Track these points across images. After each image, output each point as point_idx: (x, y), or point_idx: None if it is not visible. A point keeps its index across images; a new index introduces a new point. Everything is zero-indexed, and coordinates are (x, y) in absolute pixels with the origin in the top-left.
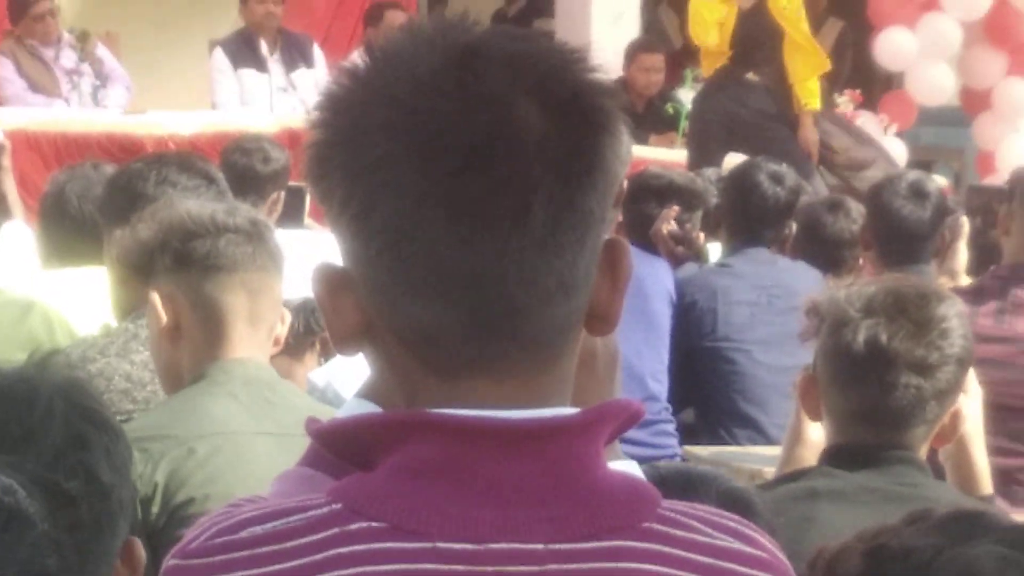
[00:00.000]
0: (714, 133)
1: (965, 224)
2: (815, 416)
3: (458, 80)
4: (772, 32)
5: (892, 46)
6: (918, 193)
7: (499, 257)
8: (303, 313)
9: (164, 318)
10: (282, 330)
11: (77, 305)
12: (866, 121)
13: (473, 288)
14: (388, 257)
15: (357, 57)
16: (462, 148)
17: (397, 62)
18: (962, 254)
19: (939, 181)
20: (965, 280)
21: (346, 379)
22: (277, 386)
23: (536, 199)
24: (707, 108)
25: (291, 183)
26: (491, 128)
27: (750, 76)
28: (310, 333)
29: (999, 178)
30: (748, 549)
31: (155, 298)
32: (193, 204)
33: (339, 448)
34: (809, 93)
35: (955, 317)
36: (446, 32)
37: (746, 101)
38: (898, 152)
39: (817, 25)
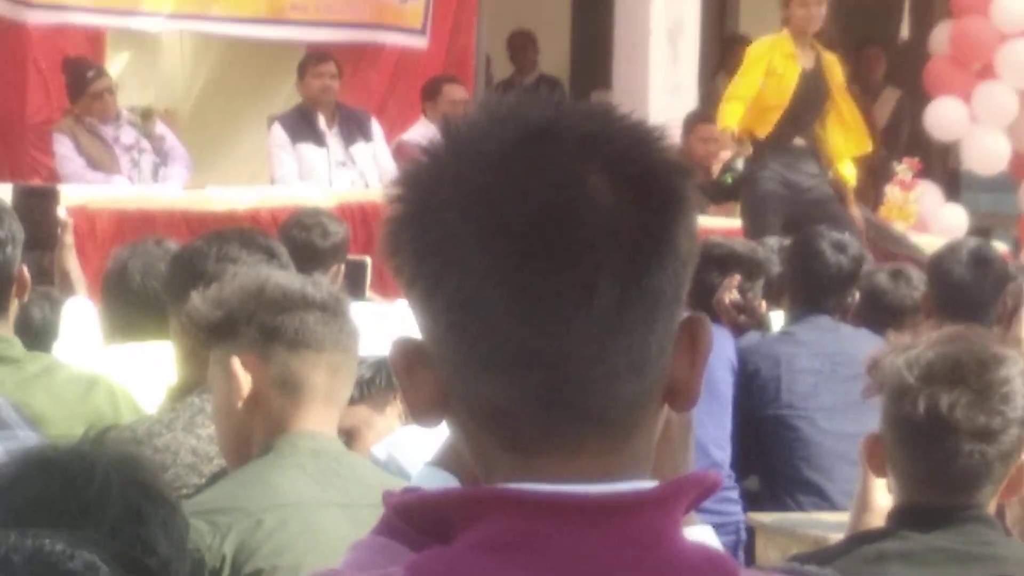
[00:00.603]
0: (770, 202)
1: None
2: (881, 473)
3: (527, 158)
4: (825, 97)
5: (944, 115)
6: (979, 260)
7: (564, 336)
8: (384, 368)
9: (245, 386)
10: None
11: (141, 380)
12: (926, 189)
13: (539, 366)
14: (456, 335)
15: (422, 133)
16: (527, 226)
17: (470, 139)
18: None
19: (999, 248)
20: None
21: (408, 452)
22: (344, 458)
23: (602, 279)
24: (761, 176)
25: (352, 256)
26: (557, 206)
27: (798, 140)
28: (391, 388)
29: None
30: None
31: (236, 364)
32: (281, 275)
33: (416, 521)
34: (849, 170)
35: (1017, 377)
36: (520, 109)
37: (798, 167)
38: (958, 219)
39: (875, 94)
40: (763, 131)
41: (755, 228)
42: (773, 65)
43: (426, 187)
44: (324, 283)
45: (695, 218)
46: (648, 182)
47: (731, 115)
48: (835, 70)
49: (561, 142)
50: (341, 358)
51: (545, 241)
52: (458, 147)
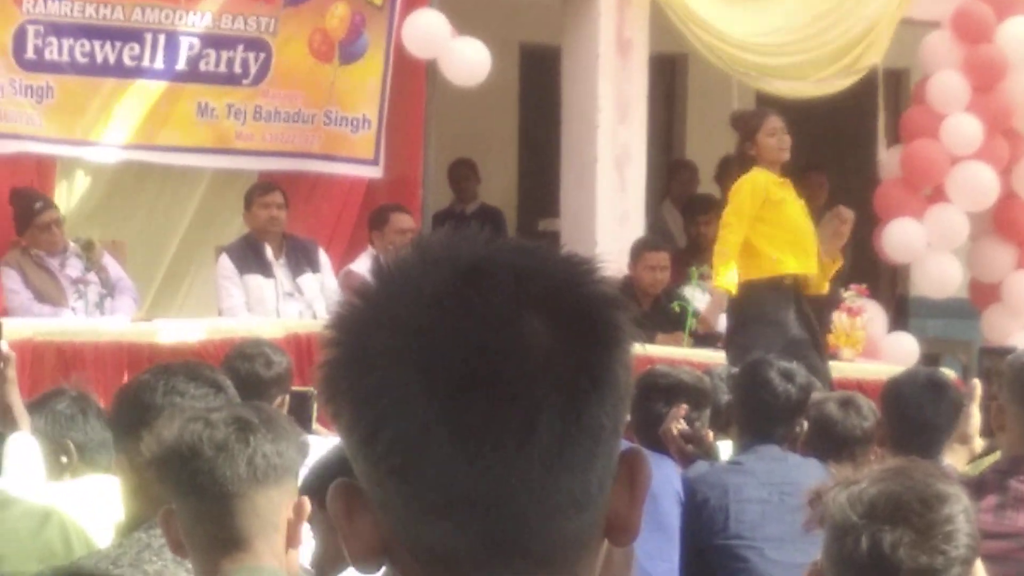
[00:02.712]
0: (764, 338)
1: (977, 387)
2: None
3: (462, 298)
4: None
5: (899, 238)
6: (935, 388)
7: (506, 477)
8: None
9: (166, 535)
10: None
11: (86, 516)
12: (873, 315)
13: (481, 509)
14: (396, 480)
15: (365, 266)
16: (465, 368)
17: (403, 280)
18: (975, 418)
19: (950, 375)
20: (979, 443)
21: None
22: None
23: (541, 417)
24: (756, 320)
25: (297, 388)
26: (493, 346)
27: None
28: None
29: None
30: None
31: (160, 517)
32: (192, 422)
33: None
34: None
35: (960, 514)
36: (452, 248)
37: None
38: (908, 346)
39: (817, 218)
40: (784, 265)
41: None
42: (776, 196)
43: (361, 331)
44: (218, 419)
45: (632, 351)
46: (584, 317)
47: (728, 265)
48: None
49: (495, 280)
50: (249, 499)
51: (483, 382)
52: (391, 289)
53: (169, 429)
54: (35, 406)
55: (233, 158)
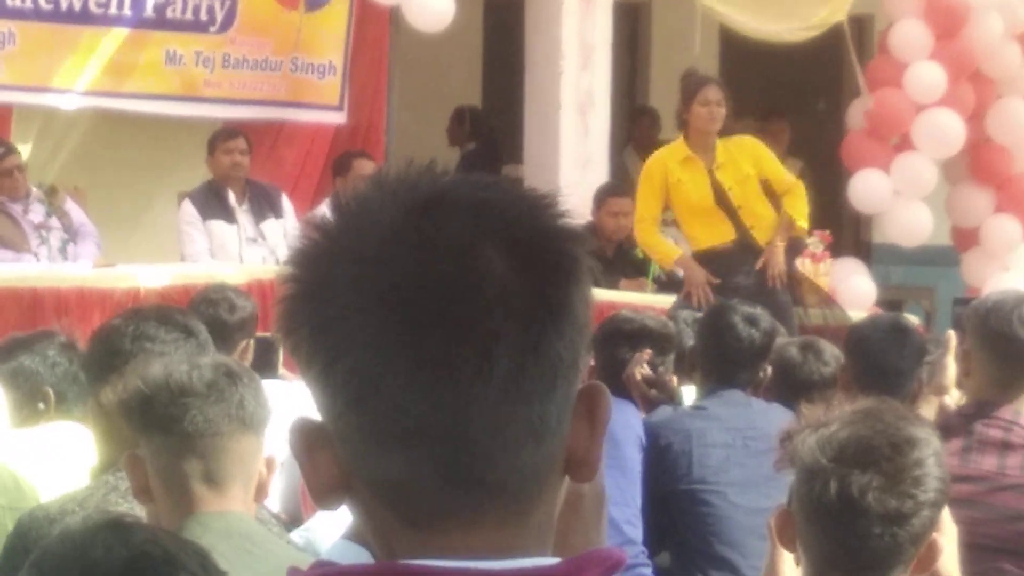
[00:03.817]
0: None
1: (952, 338)
2: (790, 548)
3: (419, 229)
4: (744, 187)
5: (866, 188)
6: (898, 332)
7: (463, 407)
8: None
9: (131, 480)
10: (267, 477)
11: (46, 463)
12: (837, 262)
13: (438, 438)
14: (354, 411)
15: (326, 208)
16: (421, 298)
17: (362, 214)
18: (950, 368)
19: (912, 320)
20: (955, 394)
21: (325, 536)
22: (257, 537)
23: (498, 348)
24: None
25: (263, 334)
26: (452, 277)
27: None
28: None
29: None
30: None
31: (127, 458)
32: (157, 364)
33: None
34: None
35: (930, 458)
36: (410, 182)
37: (732, 267)
38: (867, 291)
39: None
40: (697, 241)
41: None
42: (673, 178)
43: (319, 264)
44: (205, 366)
45: (590, 285)
46: (541, 249)
47: (657, 241)
48: (748, 153)
49: (453, 212)
50: (216, 442)
51: (440, 312)
52: (349, 222)
53: (151, 370)
54: (22, 346)
55: (201, 106)
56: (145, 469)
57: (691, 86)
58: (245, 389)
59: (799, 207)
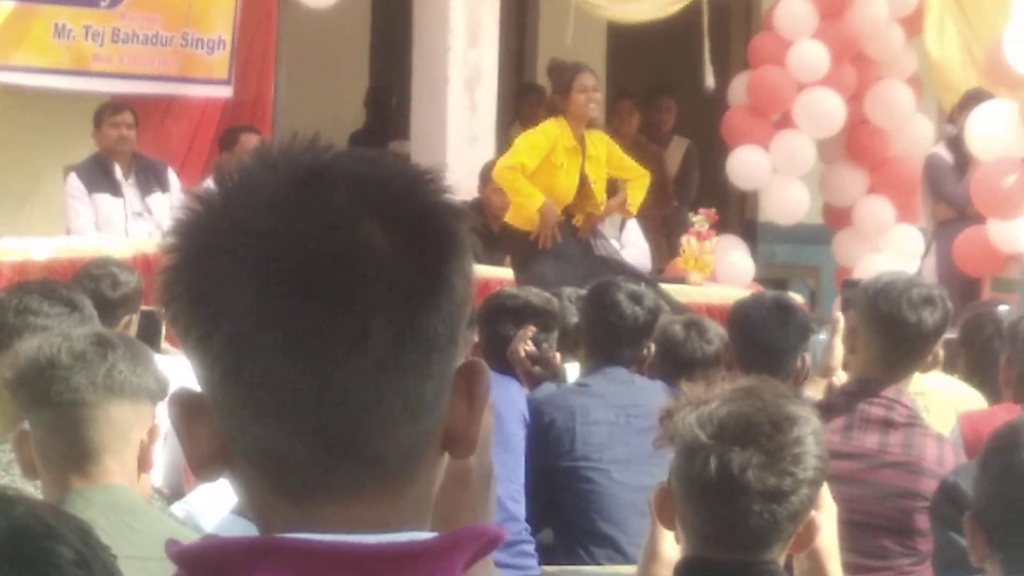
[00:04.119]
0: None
1: (840, 320)
2: (670, 526)
3: (300, 201)
4: (600, 179)
5: (745, 165)
6: (782, 309)
7: (339, 379)
8: None
9: (18, 457)
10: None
11: None
12: (722, 240)
13: (314, 411)
14: (231, 381)
15: (210, 181)
16: (300, 269)
17: (243, 185)
18: (837, 350)
19: (796, 298)
20: (841, 376)
21: (206, 510)
22: (139, 511)
23: (375, 321)
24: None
25: (145, 308)
26: (330, 249)
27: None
28: None
29: None
30: None
31: (14, 437)
32: (35, 339)
33: (197, 570)
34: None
35: (809, 436)
36: (292, 154)
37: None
38: (746, 268)
39: (664, 144)
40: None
41: None
42: (557, 158)
43: (199, 234)
44: (76, 338)
45: (470, 261)
46: (421, 224)
47: (522, 185)
48: (604, 149)
49: (334, 185)
50: (87, 412)
51: (318, 284)
52: (231, 193)
53: (27, 345)
54: None
55: (90, 80)
56: (29, 445)
57: (565, 74)
58: (118, 358)
59: (637, 195)
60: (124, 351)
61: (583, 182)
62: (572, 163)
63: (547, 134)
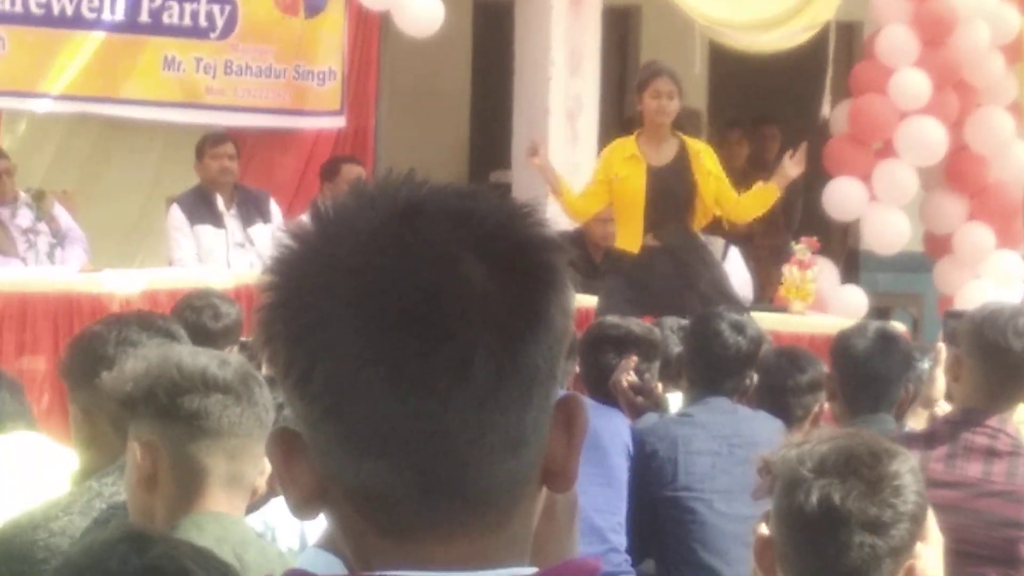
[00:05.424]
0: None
1: (942, 350)
2: (771, 574)
3: (398, 237)
4: (688, 189)
5: (842, 195)
6: (885, 339)
7: (440, 416)
8: None
9: (142, 468)
10: (261, 481)
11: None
12: (824, 269)
13: (415, 447)
14: (331, 420)
15: (306, 217)
16: (399, 306)
17: (340, 222)
18: (940, 381)
19: (899, 327)
20: (944, 407)
21: (283, 522)
22: (249, 544)
23: (476, 356)
24: (607, 287)
25: (247, 338)
26: (430, 285)
27: (650, 239)
28: None
29: None
30: None
31: (135, 447)
32: (187, 353)
33: None
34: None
35: (908, 473)
36: (388, 190)
37: (653, 266)
38: (857, 299)
39: (769, 172)
40: (626, 241)
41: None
42: (615, 172)
43: (297, 272)
44: (233, 362)
45: (570, 294)
46: (519, 258)
47: (577, 202)
48: (702, 158)
49: (432, 221)
50: (242, 443)
51: (418, 320)
52: (328, 230)
53: (178, 359)
54: None
55: (203, 112)
56: (160, 458)
57: (644, 76)
58: (263, 392)
59: (758, 203)
60: (263, 385)
61: (675, 181)
62: (634, 171)
63: (602, 157)
